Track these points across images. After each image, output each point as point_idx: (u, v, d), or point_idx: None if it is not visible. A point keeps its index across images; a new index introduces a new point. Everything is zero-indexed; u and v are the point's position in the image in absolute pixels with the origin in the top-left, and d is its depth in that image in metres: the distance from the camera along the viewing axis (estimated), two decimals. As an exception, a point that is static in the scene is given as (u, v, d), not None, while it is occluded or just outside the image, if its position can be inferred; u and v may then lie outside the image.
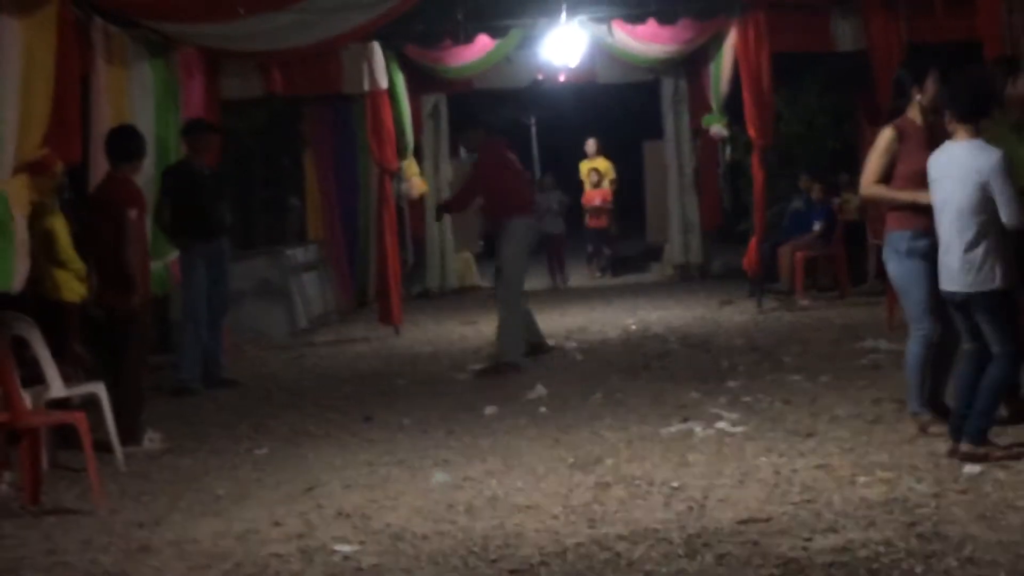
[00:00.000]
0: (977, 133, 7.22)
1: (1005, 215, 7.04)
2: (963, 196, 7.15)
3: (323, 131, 17.32)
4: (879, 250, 14.69)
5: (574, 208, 20.55)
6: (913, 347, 7.87)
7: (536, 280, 19.39)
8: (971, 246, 7.14)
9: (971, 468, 6.99)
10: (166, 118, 12.20)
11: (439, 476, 7.72)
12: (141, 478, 8.29)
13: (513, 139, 27.84)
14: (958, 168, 7.20)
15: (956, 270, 7.23)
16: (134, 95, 11.66)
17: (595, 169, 20.60)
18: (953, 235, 7.23)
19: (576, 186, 21.26)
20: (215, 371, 11.58)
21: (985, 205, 7.09)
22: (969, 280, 7.18)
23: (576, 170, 21.22)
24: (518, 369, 11.52)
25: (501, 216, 11.90)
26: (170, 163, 11.82)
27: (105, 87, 11.07)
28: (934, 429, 7.75)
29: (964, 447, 7.24)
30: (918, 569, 5.49)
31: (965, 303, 7.31)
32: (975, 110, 7.26)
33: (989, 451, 7.20)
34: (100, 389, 8.55)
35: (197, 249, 11.42)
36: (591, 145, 20.80)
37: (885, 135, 7.97)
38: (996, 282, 7.11)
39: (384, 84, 14.15)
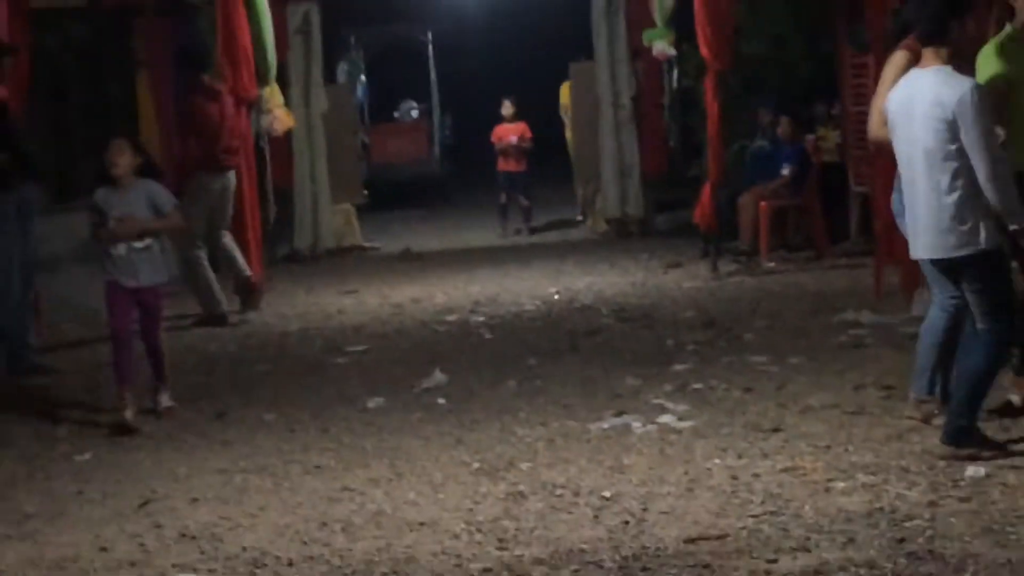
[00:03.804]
0: (951, 58, 7.30)
1: (975, 159, 7.12)
2: (931, 137, 7.23)
3: (161, 50, 17.11)
4: (864, 199, 14.99)
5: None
6: (936, 317, 7.96)
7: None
8: (948, 198, 7.23)
9: (975, 470, 7.10)
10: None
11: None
12: (-72, 493, 8.25)
13: (405, 60, 27.80)
14: (923, 101, 7.29)
15: (933, 230, 7.34)
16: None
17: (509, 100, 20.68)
18: (923, 186, 7.33)
19: (485, 119, 21.29)
20: (22, 354, 11.46)
21: (957, 147, 7.19)
22: (951, 242, 7.29)
23: (485, 97, 21.14)
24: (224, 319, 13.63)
25: None
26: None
27: None
28: (938, 422, 7.84)
29: (940, 450, 7.39)
30: (908, 596, 5.59)
31: (947, 271, 7.47)
32: (942, 28, 7.35)
33: (975, 452, 7.34)
34: None
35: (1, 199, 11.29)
36: None
37: (896, 60, 8.08)
38: (981, 242, 7.22)
39: (237, -12, 14.05)
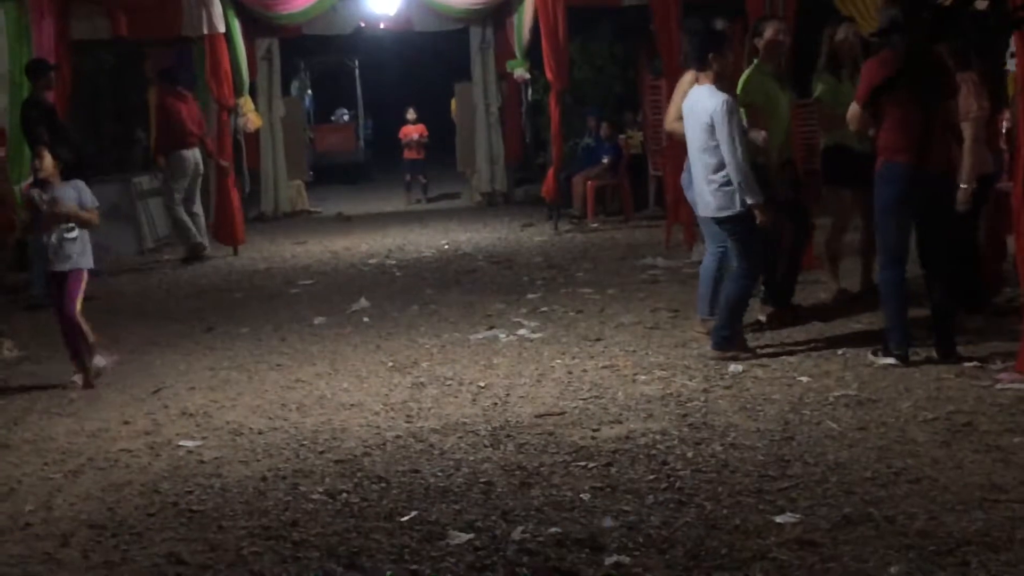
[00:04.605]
0: (715, 79, 7.40)
1: (724, 152, 7.24)
2: (700, 133, 7.36)
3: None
4: (659, 180, 15.06)
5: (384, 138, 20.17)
6: (709, 260, 8.01)
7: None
8: (713, 176, 7.35)
9: (735, 367, 7.19)
10: (19, 58, 11.72)
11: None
12: (-1, 384, 8.08)
13: (339, 80, 27.48)
14: (696, 109, 7.41)
15: (705, 197, 7.45)
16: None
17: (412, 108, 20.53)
18: (699, 167, 7.46)
19: (395, 121, 21.11)
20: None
21: (716, 142, 7.30)
22: (715, 206, 7.40)
23: (396, 106, 20.93)
24: (203, 248, 13.62)
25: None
26: (24, 98, 11.37)
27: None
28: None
29: (711, 353, 7.47)
30: (689, 454, 5.64)
31: (716, 225, 7.57)
32: (703, 58, 7.43)
33: (735, 354, 7.43)
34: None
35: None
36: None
37: (684, 79, 8.21)
38: (737, 207, 7.33)
39: (221, 28, 13.80)
